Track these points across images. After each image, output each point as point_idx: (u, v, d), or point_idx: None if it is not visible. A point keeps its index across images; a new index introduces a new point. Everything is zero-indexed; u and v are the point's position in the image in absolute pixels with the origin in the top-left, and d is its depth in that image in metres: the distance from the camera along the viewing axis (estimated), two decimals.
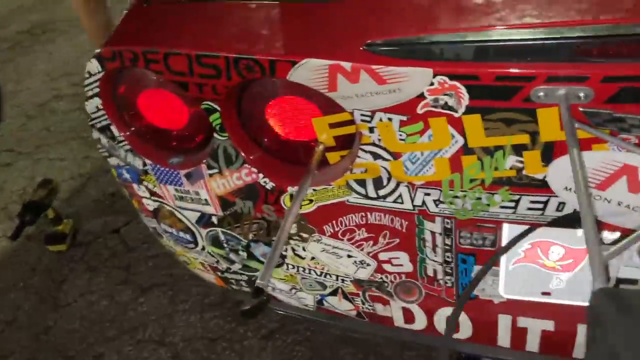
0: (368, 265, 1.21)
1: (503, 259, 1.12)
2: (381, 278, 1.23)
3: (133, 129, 1.25)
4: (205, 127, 1.18)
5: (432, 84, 0.88)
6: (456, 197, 1.01)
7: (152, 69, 1.07)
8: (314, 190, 1.13)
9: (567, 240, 1.07)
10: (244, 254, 1.34)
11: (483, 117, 0.90)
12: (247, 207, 1.23)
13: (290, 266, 1.30)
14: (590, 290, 1.04)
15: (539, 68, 0.81)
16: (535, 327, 1.17)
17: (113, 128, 1.24)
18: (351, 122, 1.03)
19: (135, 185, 1.35)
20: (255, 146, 1.15)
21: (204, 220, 1.32)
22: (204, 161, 1.18)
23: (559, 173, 0.92)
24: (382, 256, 1.19)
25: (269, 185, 1.16)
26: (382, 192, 1.07)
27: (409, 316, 1.28)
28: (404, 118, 0.95)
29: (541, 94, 0.83)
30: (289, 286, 1.37)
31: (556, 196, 0.95)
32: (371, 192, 1.08)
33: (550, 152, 0.90)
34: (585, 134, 0.86)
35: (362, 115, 0.97)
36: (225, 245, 1.35)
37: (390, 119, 0.96)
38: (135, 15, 1.17)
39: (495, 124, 0.90)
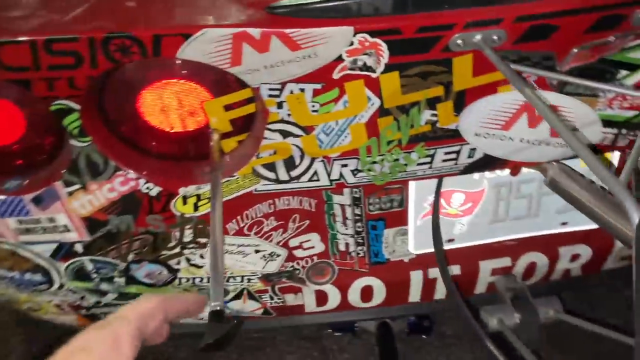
0: (278, 256, 1.11)
1: (411, 216, 1.12)
2: (292, 266, 1.13)
3: None
4: (53, 135, 0.93)
5: (351, 43, 0.80)
6: (374, 162, 0.96)
7: None
8: None
9: (466, 186, 1.11)
10: (121, 280, 1.12)
11: (401, 74, 0.86)
12: (124, 224, 1.01)
13: (183, 280, 1.12)
14: (487, 230, 1.11)
15: (458, 15, 0.80)
16: None
17: None
18: (251, 100, 0.90)
19: None
20: (128, 147, 0.94)
21: (63, 251, 1.05)
22: (59, 178, 0.93)
23: (469, 120, 0.93)
24: (293, 242, 1.10)
25: (154, 191, 0.97)
26: (295, 173, 0.97)
27: (322, 298, 1.21)
28: (318, 86, 0.86)
29: (459, 41, 0.82)
30: None
31: (467, 144, 0.96)
32: (282, 175, 0.97)
33: (462, 101, 0.91)
34: (487, 79, 0.88)
35: (269, 89, 0.85)
36: (94, 275, 1.10)
37: (302, 90, 0.86)
38: None
39: (412, 79, 0.87)
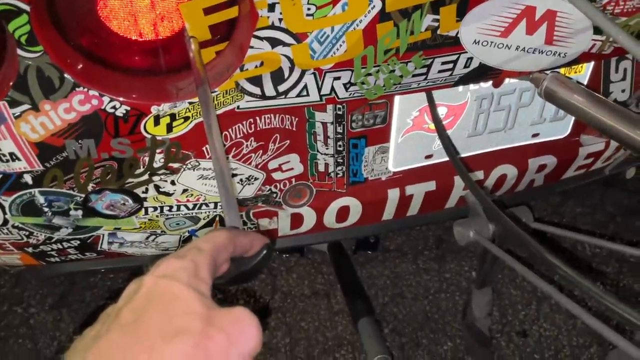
0: (256, 179, 1.02)
1: (393, 133, 1.07)
2: (269, 189, 1.06)
3: None
4: None
5: None
6: (369, 74, 0.89)
7: None
8: (190, 103, 0.86)
9: (449, 99, 1.07)
10: (78, 213, 0.99)
11: None
12: (84, 150, 0.87)
13: (150, 210, 1.02)
14: (465, 144, 1.08)
15: None
16: (420, 191, 1.18)
17: None
18: (234, 2, 0.78)
19: None
20: (88, 59, 0.79)
21: (9, 183, 0.90)
22: (3, 96, 0.77)
23: (470, 26, 0.87)
24: (272, 165, 1.01)
25: (120, 110, 0.83)
26: (282, 88, 0.87)
27: (297, 221, 1.15)
28: None
29: None
30: (144, 235, 1.09)
31: (465, 52, 0.91)
32: (269, 90, 0.87)
33: (465, 5, 0.84)
34: None
35: None
36: (45, 209, 0.96)
37: None
38: None
39: None
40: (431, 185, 1.18)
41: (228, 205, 0.62)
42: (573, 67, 1.10)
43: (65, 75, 0.77)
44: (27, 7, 0.69)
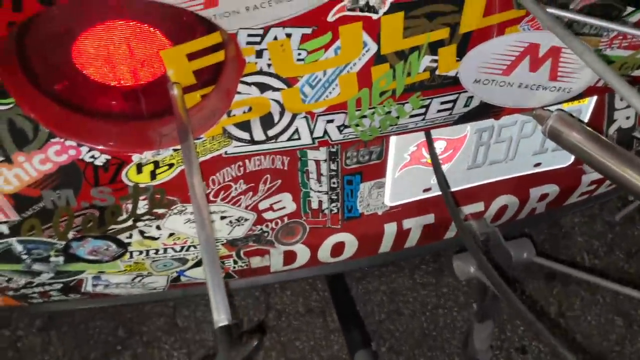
0: (246, 220, 0.98)
1: (389, 168, 1.03)
2: (260, 229, 1.01)
3: None
4: None
5: None
6: (364, 116, 0.84)
7: None
8: (174, 150, 0.81)
9: (448, 132, 1.02)
10: (59, 259, 0.94)
11: (406, 15, 0.72)
12: (63, 199, 0.82)
13: (135, 253, 0.97)
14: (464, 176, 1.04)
15: None
16: (418, 224, 1.14)
17: None
18: (218, 46, 0.73)
19: None
20: (64, 108, 0.74)
21: None
22: None
23: (470, 66, 0.83)
24: (263, 205, 0.97)
25: (100, 160, 0.78)
26: (272, 132, 0.82)
27: (290, 258, 1.11)
28: (308, 31, 0.70)
29: None
30: (130, 276, 1.04)
31: (465, 92, 0.86)
32: (258, 135, 0.82)
33: (465, 45, 0.79)
34: (497, 19, 0.77)
35: (248, 36, 0.69)
36: (24, 257, 0.92)
37: (288, 35, 0.70)
38: None
39: (417, 20, 0.73)
40: (430, 218, 1.14)
41: (213, 283, 0.57)
42: None
43: (40, 126, 0.72)
44: None
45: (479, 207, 1.16)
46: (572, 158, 1.17)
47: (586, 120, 1.09)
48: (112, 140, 0.77)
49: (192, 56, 0.73)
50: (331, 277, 1.64)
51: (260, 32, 0.68)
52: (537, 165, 1.16)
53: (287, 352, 1.72)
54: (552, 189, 1.20)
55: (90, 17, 0.67)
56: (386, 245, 1.17)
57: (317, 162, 0.96)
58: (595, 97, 1.07)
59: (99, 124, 0.77)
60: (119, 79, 0.74)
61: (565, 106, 1.02)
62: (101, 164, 0.79)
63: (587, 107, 1.09)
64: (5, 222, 0.84)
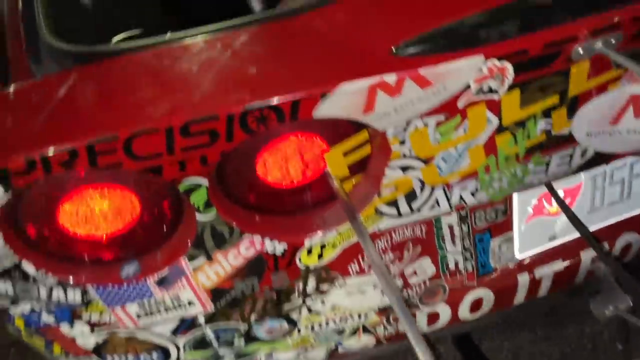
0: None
1: (515, 222, 1.12)
2: (407, 293, 1.12)
3: (55, 255, 0.88)
4: (169, 214, 0.89)
5: (480, 70, 0.79)
6: (492, 180, 0.96)
7: (100, 166, 0.75)
8: (337, 232, 0.95)
9: (564, 183, 1.11)
10: (241, 342, 1.09)
11: (521, 91, 0.85)
12: (249, 287, 0.98)
13: (302, 330, 1.10)
14: (585, 220, 1.11)
15: (580, 26, 0.80)
16: (549, 272, 1.21)
17: (25, 265, 0.86)
18: (367, 142, 0.89)
19: (64, 326, 0.97)
20: (251, 211, 0.92)
21: (184, 326, 1.02)
22: (184, 253, 0.90)
23: (581, 122, 0.93)
24: (407, 271, 1.08)
25: (279, 249, 0.94)
26: (416, 205, 0.96)
27: (433, 318, 1.20)
28: (441, 117, 0.85)
29: (581, 51, 0.82)
30: (295, 352, 1.17)
31: (579, 145, 0.97)
32: (404, 209, 0.96)
33: (575, 105, 0.91)
34: (600, 80, 0.89)
35: (394, 129, 0.84)
36: (214, 343, 1.07)
37: (426, 124, 0.85)
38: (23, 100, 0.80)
39: (532, 94, 0.87)
40: (559, 265, 1.21)
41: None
42: None
43: (234, 227, 0.90)
44: (205, 182, 0.82)
45: (604, 247, 1.22)
46: None
47: None
48: (289, 232, 0.93)
49: (347, 153, 0.89)
50: (458, 338, 1.69)
51: (404, 125, 0.84)
52: None
53: None
54: None
55: (266, 137, 0.85)
56: (520, 296, 1.24)
57: (451, 227, 1.07)
58: None
59: (277, 220, 0.93)
60: (289, 180, 0.91)
61: None
62: (280, 253, 0.94)
63: None
64: (203, 313, 1.00)
